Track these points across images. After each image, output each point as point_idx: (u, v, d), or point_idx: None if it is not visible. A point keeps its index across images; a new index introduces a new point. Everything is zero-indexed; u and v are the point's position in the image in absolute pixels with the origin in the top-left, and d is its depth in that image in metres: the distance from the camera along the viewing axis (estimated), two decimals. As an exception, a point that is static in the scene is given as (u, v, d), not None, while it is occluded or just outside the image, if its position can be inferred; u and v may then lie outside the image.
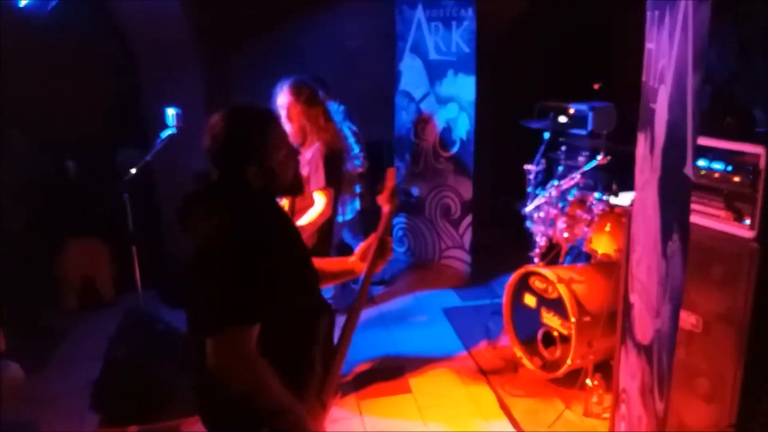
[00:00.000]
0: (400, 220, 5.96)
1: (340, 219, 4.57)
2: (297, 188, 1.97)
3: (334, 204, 3.44)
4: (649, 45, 2.24)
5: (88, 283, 4.99)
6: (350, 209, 4.68)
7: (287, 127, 3.38)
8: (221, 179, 1.83)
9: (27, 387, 3.86)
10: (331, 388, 1.94)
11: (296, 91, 3.34)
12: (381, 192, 2.19)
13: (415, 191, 5.79)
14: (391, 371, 4.04)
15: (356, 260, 2.21)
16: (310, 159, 3.33)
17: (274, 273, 1.72)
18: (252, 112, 1.85)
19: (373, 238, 2.16)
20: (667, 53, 1.93)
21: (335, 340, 2.04)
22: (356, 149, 4.71)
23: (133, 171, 3.90)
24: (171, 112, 3.91)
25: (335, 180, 3.38)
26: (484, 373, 3.99)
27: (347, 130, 4.69)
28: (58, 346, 4.45)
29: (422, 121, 5.59)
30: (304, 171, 3.35)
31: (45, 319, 4.70)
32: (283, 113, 3.36)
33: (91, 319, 4.76)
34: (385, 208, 2.18)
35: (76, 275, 4.96)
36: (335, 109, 4.73)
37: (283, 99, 3.36)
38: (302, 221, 3.21)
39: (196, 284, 1.73)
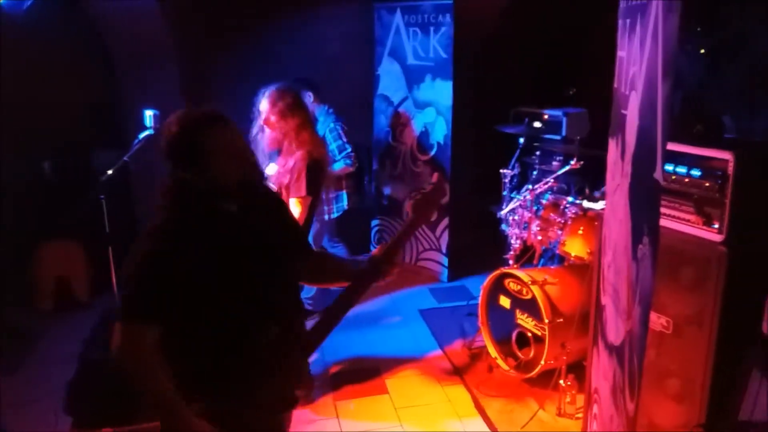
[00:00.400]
0: (376, 222, 5.99)
1: (326, 218, 4.60)
2: (246, 191, 1.93)
3: (309, 213, 3.44)
4: (621, 53, 2.29)
5: (64, 285, 4.93)
6: (337, 208, 4.71)
7: (266, 132, 3.39)
8: (170, 180, 1.89)
9: (1, 389, 3.81)
10: (272, 393, 1.94)
11: (274, 100, 3.36)
12: (413, 198, 2.17)
13: (387, 191, 5.83)
14: (367, 372, 4.07)
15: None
16: (292, 167, 3.33)
17: (188, 282, 1.78)
18: (193, 117, 1.87)
19: (388, 244, 2.12)
20: (638, 61, 1.97)
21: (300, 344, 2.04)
22: (348, 149, 4.73)
23: (110, 172, 3.87)
24: (149, 113, 3.90)
25: (315, 189, 3.38)
26: (460, 374, 4.04)
27: (340, 129, 4.70)
28: (32, 347, 4.39)
29: (400, 124, 5.63)
30: (285, 178, 3.35)
31: (19, 320, 4.63)
32: (261, 119, 3.38)
33: (66, 320, 4.70)
34: (410, 215, 2.14)
35: (52, 276, 4.90)
36: (325, 111, 4.75)
37: (262, 105, 3.38)
38: None
39: (121, 273, 1.88)
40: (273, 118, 3.36)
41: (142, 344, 1.75)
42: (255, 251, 1.93)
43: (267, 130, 3.39)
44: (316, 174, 3.37)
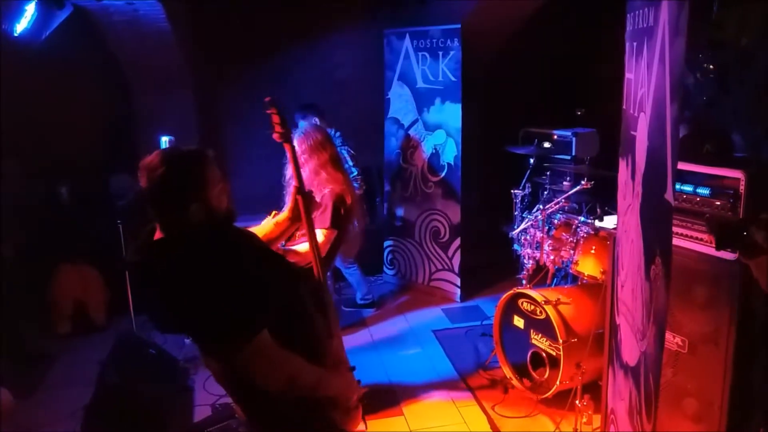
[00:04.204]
0: (389, 243, 6.01)
1: None
2: (231, 218, 2.03)
3: (334, 247, 3.41)
4: (629, 75, 2.32)
5: (81, 308, 4.97)
6: None
7: (303, 171, 3.39)
8: (168, 222, 1.92)
9: (18, 412, 3.84)
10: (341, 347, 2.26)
11: (302, 139, 3.39)
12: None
13: (399, 212, 5.86)
14: (382, 393, 4.05)
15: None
16: (318, 203, 3.33)
17: (261, 282, 1.88)
18: (186, 155, 1.94)
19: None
20: (645, 83, 2.00)
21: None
22: (355, 172, 4.77)
23: (127, 197, 3.94)
24: (165, 139, 3.98)
25: (340, 224, 3.37)
26: (475, 395, 4.02)
27: (346, 153, 4.75)
28: (50, 371, 4.43)
29: (411, 146, 5.68)
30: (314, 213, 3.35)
31: (37, 344, 4.67)
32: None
33: (83, 344, 4.73)
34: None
35: (69, 300, 4.94)
36: (332, 134, 4.79)
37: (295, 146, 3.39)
38: (298, 247, 3.22)
39: (197, 317, 1.85)
40: (302, 159, 3.38)
41: (269, 344, 1.83)
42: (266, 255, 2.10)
43: (302, 173, 3.38)
44: (341, 210, 3.36)
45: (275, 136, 2.41)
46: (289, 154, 2.44)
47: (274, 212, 3.06)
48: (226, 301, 1.81)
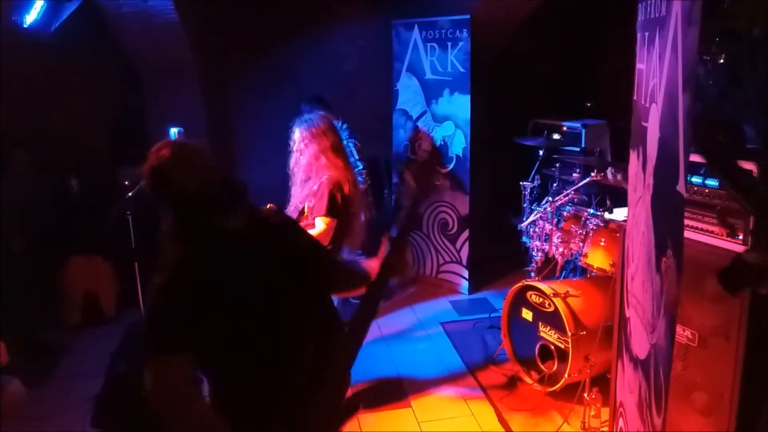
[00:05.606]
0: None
1: None
2: (231, 195, 1.91)
3: (336, 237, 3.41)
4: (640, 65, 2.29)
5: (91, 300, 5.01)
6: None
7: (300, 159, 3.43)
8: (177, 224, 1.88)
9: (28, 403, 3.87)
10: (321, 411, 1.99)
11: (302, 128, 3.41)
12: (411, 170, 2.21)
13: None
14: (390, 386, 4.06)
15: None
16: (315, 191, 3.36)
17: (212, 307, 1.74)
18: (159, 168, 1.89)
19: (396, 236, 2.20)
20: (657, 74, 1.98)
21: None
22: (360, 166, 4.77)
23: (136, 189, 3.94)
24: (174, 130, 3.98)
25: (336, 211, 3.37)
26: (483, 387, 4.02)
27: (352, 146, 4.74)
28: (60, 362, 4.46)
29: (419, 138, 5.66)
30: (310, 201, 3.37)
31: (47, 335, 4.71)
32: (295, 146, 3.43)
33: (94, 335, 4.77)
34: (412, 187, 2.23)
35: (79, 291, 4.98)
36: (338, 126, 4.79)
37: (295, 134, 3.43)
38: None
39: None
40: (302, 145, 3.41)
41: (175, 376, 1.71)
42: (274, 268, 1.91)
43: (303, 160, 3.43)
44: (336, 197, 3.36)
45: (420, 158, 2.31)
46: (411, 196, 2.23)
47: (269, 206, 3.06)
48: (152, 308, 1.77)
